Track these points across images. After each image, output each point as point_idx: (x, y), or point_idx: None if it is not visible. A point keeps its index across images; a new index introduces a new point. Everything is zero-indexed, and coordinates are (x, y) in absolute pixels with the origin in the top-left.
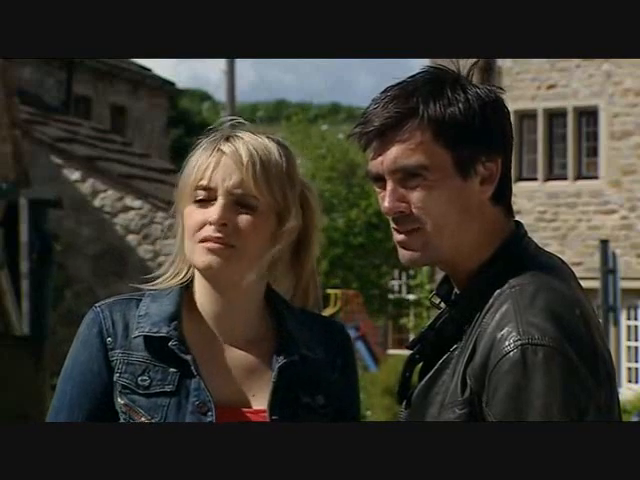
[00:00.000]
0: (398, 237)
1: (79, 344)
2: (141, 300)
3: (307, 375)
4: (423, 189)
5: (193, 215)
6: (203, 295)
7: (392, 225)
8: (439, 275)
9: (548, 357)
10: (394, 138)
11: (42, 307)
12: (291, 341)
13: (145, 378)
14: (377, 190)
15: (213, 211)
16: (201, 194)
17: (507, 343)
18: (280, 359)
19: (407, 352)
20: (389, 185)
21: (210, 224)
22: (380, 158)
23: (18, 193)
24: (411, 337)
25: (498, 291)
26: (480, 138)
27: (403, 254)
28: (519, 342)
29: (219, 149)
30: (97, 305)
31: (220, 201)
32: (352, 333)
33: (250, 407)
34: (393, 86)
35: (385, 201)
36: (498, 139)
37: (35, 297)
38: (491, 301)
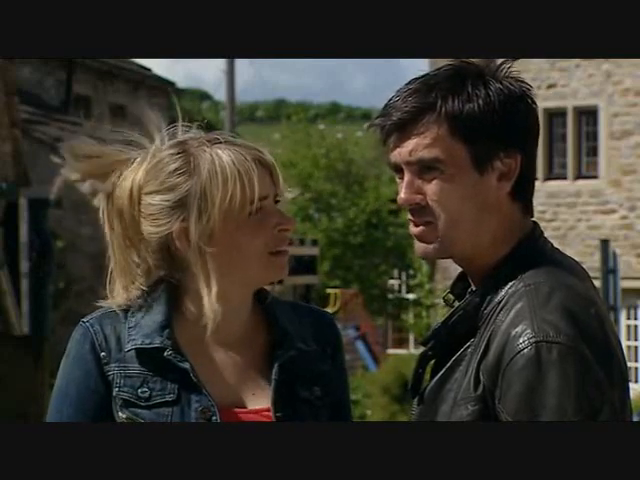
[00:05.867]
0: (414, 230)
1: (71, 361)
2: (128, 311)
3: (303, 368)
4: (439, 182)
5: (253, 228)
6: (210, 301)
7: (408, 216)
8: (439, 275)
9: (563, 355)
10: (412, 131)
11: (42, 307)
12: (286, 336)
13: (145, 390)
14: (397, 180)
15: (285, 218)
16: (256, 205)
17: (522, 340)
18: (279, 355)
19: (406, 351)
20: (406, 176)
21: (286, 231)
22: (398, 150)
23: (18, 193)
24: (411, 337)
25: (513, 289)
26: (498, 134)
27: (418, 246)
28: (534, 339)
29: (247, 158)
30: (85, 320)
31: (279, 206)
32: (352, 333)
33: (252, 407)
34: (416, 79)
35: (401, 192)
36: (518, 135)
37: (35, 297)
38: (505, 299)
